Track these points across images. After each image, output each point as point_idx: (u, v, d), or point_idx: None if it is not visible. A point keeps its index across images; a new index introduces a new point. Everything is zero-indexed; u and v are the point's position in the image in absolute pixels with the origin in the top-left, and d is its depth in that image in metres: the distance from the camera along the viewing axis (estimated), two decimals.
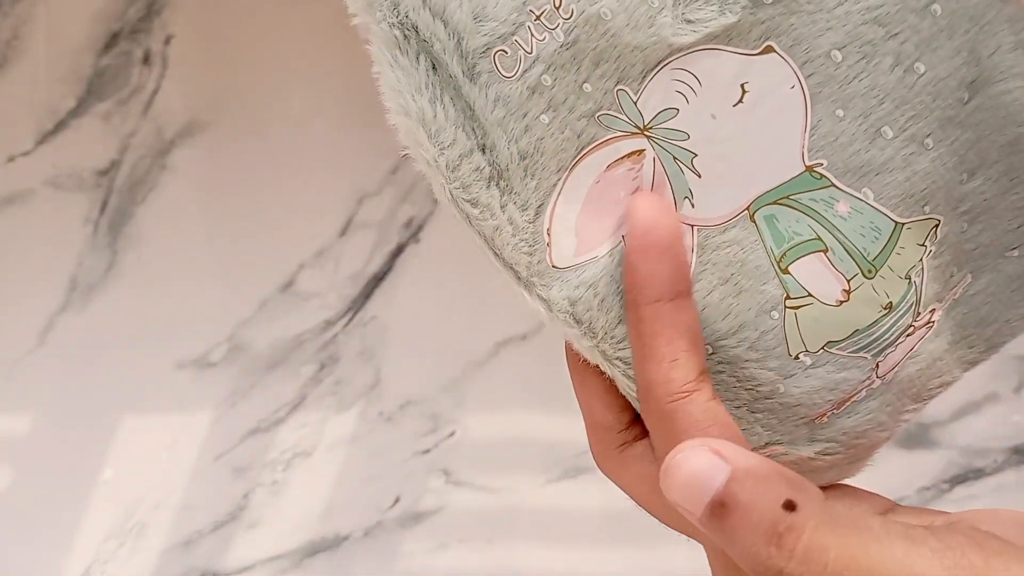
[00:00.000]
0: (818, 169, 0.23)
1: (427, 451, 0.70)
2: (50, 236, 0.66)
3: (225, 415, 0.69)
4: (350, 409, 0.70)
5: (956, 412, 0.68)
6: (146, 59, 0.65)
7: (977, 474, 0.67)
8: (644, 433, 0.27)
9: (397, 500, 0.70)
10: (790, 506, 0.21)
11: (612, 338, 0.25)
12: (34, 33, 0.64)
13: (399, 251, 0.69)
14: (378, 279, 0.69)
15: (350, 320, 0.69)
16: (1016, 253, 0.25)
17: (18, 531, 0.67)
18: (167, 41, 0.65)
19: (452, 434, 0.70)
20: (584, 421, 0.29)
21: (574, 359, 0.27)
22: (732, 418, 0.24)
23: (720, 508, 0.21)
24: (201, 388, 0.68)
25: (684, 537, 0.28)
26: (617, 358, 0.25)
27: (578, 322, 0.24)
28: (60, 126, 0.65)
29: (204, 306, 0.68)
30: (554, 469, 0.70)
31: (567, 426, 0.72)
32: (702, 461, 0.22)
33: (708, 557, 0.29)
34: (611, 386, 0.26)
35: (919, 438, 0.67)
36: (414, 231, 0.69)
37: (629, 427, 0.28)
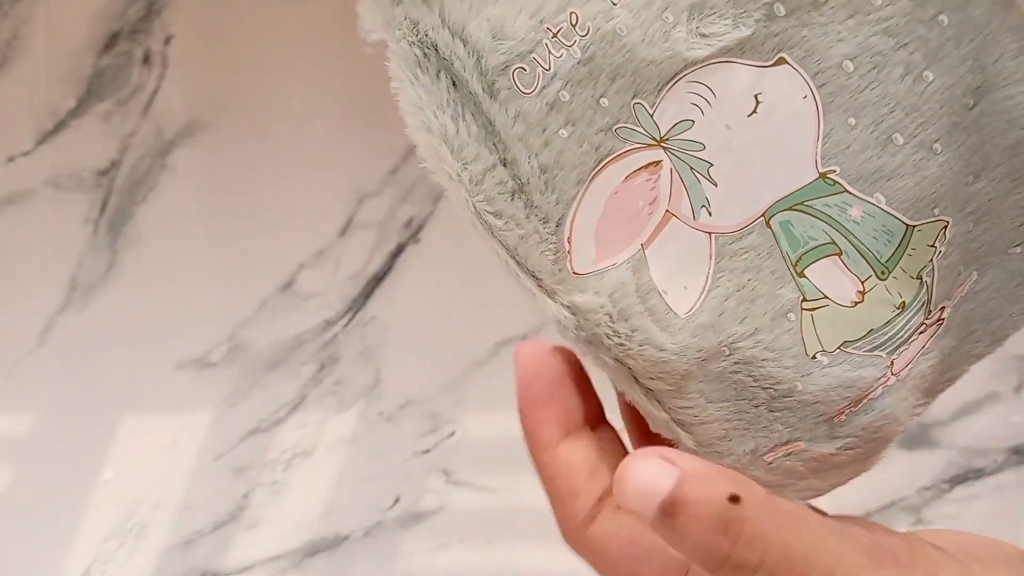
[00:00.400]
0: (831, 175, 0.24)
1: (427, 451, 0.70)
2: (50, 236, 0.66)
3: (225, 415, 0.69)
4: (350, 409, 0.70)
5: (956, 412, 0.68)
6: (146, 59, 0.65)
7: (977, 474, 0.67)
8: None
9: (397, 500, 0.70)
10: (735, 499, 0.23)
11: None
12: (34, 33, 0.64)
13: (399, 251, 0.69)
14: (378, 279, 0.69)
15: (350, 320, 0.69)
16: (1019, 250, 0.27)
17: (18, 531, 0.67)
18: (167, 41, 0.65)
19: (452, 434, 0.70)
20: (552, 497, 0.30)
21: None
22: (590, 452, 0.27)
23: (672, 507, 0.23)
24: (201, 388, 0.68)
25: None
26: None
27: (615, 319, 0.25)
28: (60, 126, 0.66)
29: (204, 306, 0.68)
30: None
31: None
32: (652, 467, 0.23)
33: None
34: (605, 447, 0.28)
35: (919, 438, 0.67)
36: (414, 231, 0.69)
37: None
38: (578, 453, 0.27)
